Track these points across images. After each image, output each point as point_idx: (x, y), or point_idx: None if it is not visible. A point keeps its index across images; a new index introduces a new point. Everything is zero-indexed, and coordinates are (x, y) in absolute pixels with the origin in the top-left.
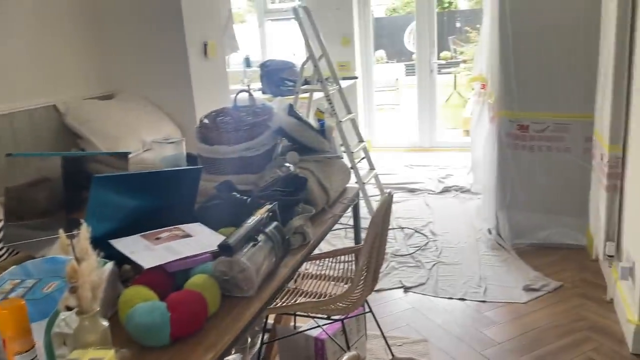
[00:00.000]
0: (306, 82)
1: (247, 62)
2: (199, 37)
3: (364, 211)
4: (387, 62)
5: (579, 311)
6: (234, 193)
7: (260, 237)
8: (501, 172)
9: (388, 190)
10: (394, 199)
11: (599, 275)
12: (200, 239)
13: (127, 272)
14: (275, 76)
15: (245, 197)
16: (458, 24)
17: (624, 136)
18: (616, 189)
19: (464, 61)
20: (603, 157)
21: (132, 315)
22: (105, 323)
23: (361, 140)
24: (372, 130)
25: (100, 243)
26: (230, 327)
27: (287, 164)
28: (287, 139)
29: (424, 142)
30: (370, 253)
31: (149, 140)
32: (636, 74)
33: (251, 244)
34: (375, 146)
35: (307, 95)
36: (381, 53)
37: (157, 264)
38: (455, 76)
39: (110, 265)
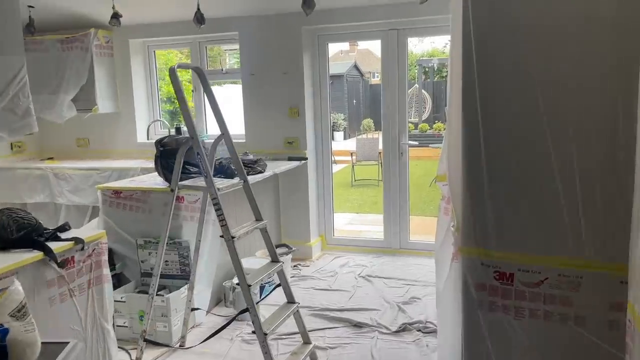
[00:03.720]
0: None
1: (178, 133)
2: None
3: None
4: (375, 132)
5: None
6: None
7: None
8: (469, 346)
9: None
10: (327, 343)
11: None
12: None
13: None
14: (173, 158)
15: None
16: None
17: None
18: None
19: None
20: None
21: None
22: None
23: (275, 260)
24: (328, 223)
25: None
26: None
27: None
28: None
29: (391, 243)
30: None
31: None
32: None
33: None
34: (332, 243)
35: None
36: (369, 122)
37: None
38: None
39: None
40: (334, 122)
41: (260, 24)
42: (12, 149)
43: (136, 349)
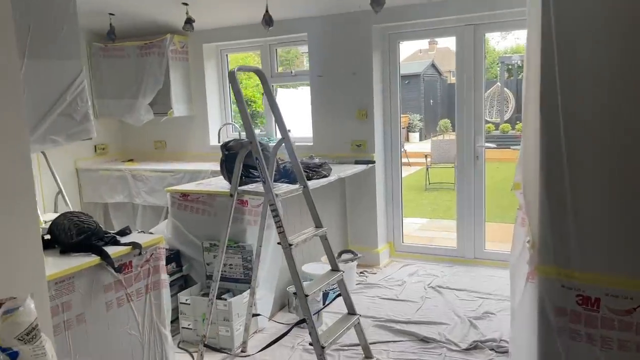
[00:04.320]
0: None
1: None
2: None
3: None
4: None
5: None
6: None
7: None
8: None
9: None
10: (390, 358)
11: None
12: None
13: None
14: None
15: None
16: None
17: None
18: None
19: None
20: None
21: None
22: None
23: (335, 269)
24: (397, 229)
25: None
26: None
27: None
28: None
29: (464, 252)
30: None
31: None
32: None
33: None
34: (400, 250)
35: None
36: (446, 122)
37: None
38: None
39: None
40: (409, 123)
41: (329, 24)
42: (95, 151)
43: (197, 352)
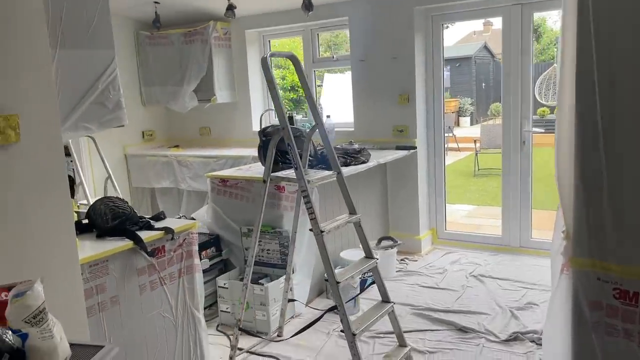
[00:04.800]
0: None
1: (290, 122)
2: None
3: None
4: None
5: None
6: None
7: None
8: None
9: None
10: (426, 346)
11: None
12: None
13: None
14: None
15: None
16: None
17: None
18: None
19: None
20: None
21: None
22: None
23: (369, 256)
24: (440, 215)
25: None
26: None
27: None
28: None
29: (510, 240)
30: None
31: None
32: None
33: None
34: (443, 238)
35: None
36: (498, 106)
37: None
38: None
39: None
40: (460, 107)
41: (370, 7)
42: (143, 137)
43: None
